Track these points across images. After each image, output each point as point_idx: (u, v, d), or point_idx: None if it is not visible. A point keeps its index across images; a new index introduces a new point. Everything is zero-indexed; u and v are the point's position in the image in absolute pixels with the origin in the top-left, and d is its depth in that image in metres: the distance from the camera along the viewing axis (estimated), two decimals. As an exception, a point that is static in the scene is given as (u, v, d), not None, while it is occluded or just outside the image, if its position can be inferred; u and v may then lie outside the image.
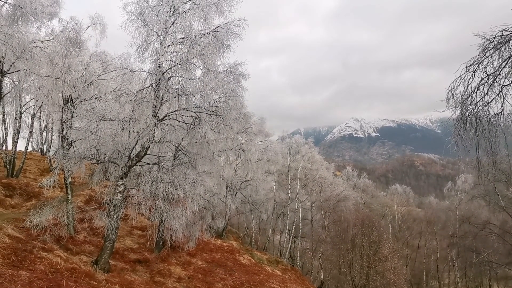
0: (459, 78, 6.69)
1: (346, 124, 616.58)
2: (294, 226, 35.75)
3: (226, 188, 25.12)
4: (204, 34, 13.20)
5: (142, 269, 15.71)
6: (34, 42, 15.86)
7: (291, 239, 35.65)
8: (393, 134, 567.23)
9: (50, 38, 16.20)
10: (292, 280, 23.89)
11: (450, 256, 45.22)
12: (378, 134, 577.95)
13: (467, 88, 6.71)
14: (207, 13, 13.40)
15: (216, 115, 13.73)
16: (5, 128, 25.86)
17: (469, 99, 6.61)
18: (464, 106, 6.66)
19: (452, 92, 6.85)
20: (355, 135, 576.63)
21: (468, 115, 6.68)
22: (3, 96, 17.08)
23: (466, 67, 6.60)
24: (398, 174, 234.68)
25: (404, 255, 45.09)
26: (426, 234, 50.14)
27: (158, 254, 17.78)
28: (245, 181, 26.21)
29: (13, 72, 15.97)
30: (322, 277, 35.61)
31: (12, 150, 24.41)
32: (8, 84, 20.58)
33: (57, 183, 16.07)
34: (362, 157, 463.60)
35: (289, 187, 35.24)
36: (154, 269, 16.12)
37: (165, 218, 14.35)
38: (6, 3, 14.33)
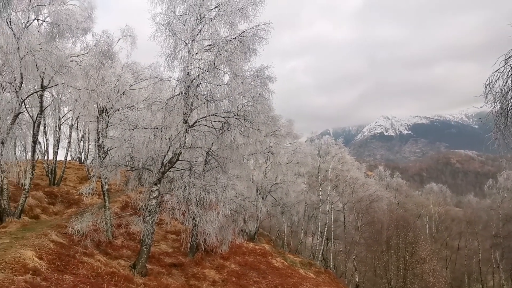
0: (497, 71, 6.41)
1: (376, 122, 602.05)
2: (326, 228, 35.31)
3: (257, 191, 25.23)
4: (230, 40, 13.40)
5: (177, 273, 16.04)
6: (71, 56, 16.70)
7: (323, 241, 35.22)
8: (426, 131, 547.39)
9: (85, 52, 17.02)
10: (326, 283, 23.59)
11: (494, 258, 43.02)
12: (410, 132, 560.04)
13: (506, 82, 6.41)
14: (232, 19, 13.61)
15: (244, 119, 13.88)
16: (46, 139, 27.29)
17: (510, 93, 6.31)
18: (505, 101, 6.36)
19: (491, 86, 6.56)
20: (386, 134, 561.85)
21: (510, 110, 6.38)
22: (44, 109, 18.01)
23: (505, 59, 6.32)
24: (433, 172, 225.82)
25: (443, 256, 43.36)
26: (466, 234, 47.96)
27: (192, 257, 18.10)
28: (275, 183, 26.20)
29: (53, 86, 16.87)
30: (357, 279, 34.91)
31: (53, 160, 25.74)
32: (48, 98, 21.70)
33: (95, 191, 16.78)
34: (394, 156, 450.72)
35: (320, 189, 34.88)
36: (189, 272, 16.42)
37: (198, 222, 14.60)
38: (44, 21, 15.18)
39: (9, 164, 15.57)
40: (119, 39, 17.97)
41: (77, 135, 33.54)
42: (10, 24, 14.08)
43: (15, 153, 17.61)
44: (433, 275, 28.25)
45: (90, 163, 32.17)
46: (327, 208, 35.22)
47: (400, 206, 51.55)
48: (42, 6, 14.62)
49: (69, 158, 32.07)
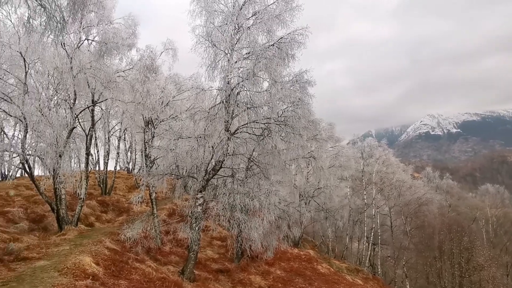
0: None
1: (421, 122, 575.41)
2: (372, 233, 34.14)
3: (299, 197, 25.03)
4: (268, 47, 13.53)
5: (224, 279, 16.26)
6: (117, 72, 17.65)
7: (370, 247, 34.06)
8: (477, 129, 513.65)
9: (130, 67, 17.89)
10: (375, 290, 22.79)
11: (561, 263, 39.32)
12: (459, 130, 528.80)
13: None
14: (270, 26, 13.74)
15: (285, 125, 13.89)
16: (97, 151, 28.99)
17: None
18: None
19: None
20: (432, 133, 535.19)
21: None
22: (95, 123, 19.14)
23: None
24: (487, 172, 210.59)
25: (503, 263, 40.25)
26: (529, 238, 44.32)
27: (238, 263, 18.26)
28: (318, 188, 25.85)
29: (102, 101, 17.92)
30: (408, 287, 33.35)
31: (103, 170, 27.23)
32: (98, 112, 23.05)
33: (143, 199, 17.50)
34: (442, 156, 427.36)
35: (364, 193, 33.87)
36: (235, 278, 16.58)
37: (243, 229, 14.73)
38: (93, 41, 16.21)
39: (66, 175, 16.65)
40: (161, 52, 18.71)
41: (125, 146, 35.23)
42: (64, 45, 15.17)
43: (70, 165, 18.79)
44: (493, 283, 26.39)
45: (137, 172, 33.65)
46: (373, 212, 34.09)
47: (452, 209, 48.74)
48: (91, 27, 15.61)
49: (118, 168, 33.77)
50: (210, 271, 16.45)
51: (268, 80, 13.85)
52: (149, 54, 17.32)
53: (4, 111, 15.30)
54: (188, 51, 13.90)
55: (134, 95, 16.73)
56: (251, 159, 15.35)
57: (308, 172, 25.89)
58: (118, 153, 31.74)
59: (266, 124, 14.00)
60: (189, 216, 14.41)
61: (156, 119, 17.54)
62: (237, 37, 13.89)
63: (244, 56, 14.05)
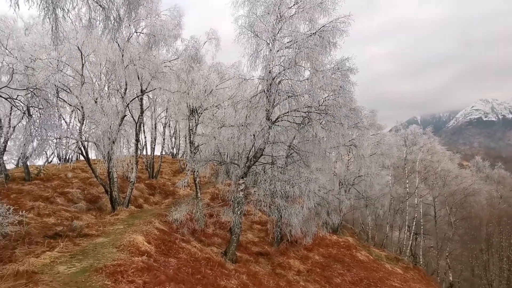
0: None
1: (472, 107, 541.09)
2: (414, 222, 33.30)
3: (339, 184, 25.02)
4: (310, 36, 13.54)
5: (264, 261, 16.91)
6: (164, 62, 18.48)
7: (411, 236, 33.32)
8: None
9: (176, 57, 18.65)
10: (415, 280, 22.51)
11: None
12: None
13: None
14: (312, 14, 13.75)
15: (326, 114, 13.97)
16: (145, 137, 30.59)
17: None
18: None
19: None
20: (485, 119, 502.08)
21: None
22: (144, 111, 20.24)
23: None
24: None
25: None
26: None
27: (277, 247, 18.84)
28: (358, 176, 25.63)
29: (150, 90, 18.91)
30: (451, 278, 32.45)
31: (151, 155, 28.77)
32: (145, 100, 24.29)
33: (188, 183, 18.44)
34: (495, 144, 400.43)
35: (407, 181, 32.99)
36: (274, 261, 17.18)
37: (283, 214, 15.17)
38: (141, 33, 17.06)
39: (118, 160, 17.91)
40: (205, 42, 19.31)
41: (170, 132, 36.81)
42: (116, 38, 16.12)
43: (121, 151, 20.08)
44: (545, 279, 25.03)
45: (181, 157, 35.16)
46: (415, 201, 33.18)
47: (504, 200, 46.06)
48: (140, 20, 16.40)
49: (163, 153, 35.45)
50: (250, 254, 17.16)
51: (309, 69, 13.93)
52: (194, 44, 17.95)
53: (64, 100, 16.67)
54: (232, 42, 14.28)
55: (180, 85, 17.50)
56: (291, 146, 15.64)
57: (348, 160, 25.71)
58: (163, 139, 33.28)
59: (307, 113, 14.16)
60: (231, 201, 15.07)
61: (200, 107, 18.25)
62: (279, 27, 14.04)
63: (286, 45, 14.18)
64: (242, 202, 14.49)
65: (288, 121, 14.87)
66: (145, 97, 21.41)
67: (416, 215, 32.99)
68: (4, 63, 19.48)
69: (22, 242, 10.28)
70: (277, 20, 13.94)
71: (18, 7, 7.50)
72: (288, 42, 14.20)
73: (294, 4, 14.13)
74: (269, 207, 14.93)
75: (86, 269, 8.02)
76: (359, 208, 31.08)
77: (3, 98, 8.51)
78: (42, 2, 7.49)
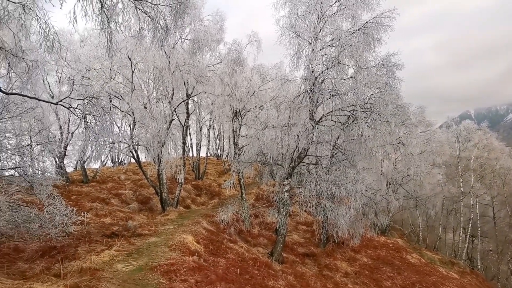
0: None
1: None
2: (470, 224, 31.32)
3: (387, 184, 24.19)
4: (353, 33, 13.28)
5: (310, 262, 16.79)
6: (208, 67, 18.99)
7: (467, 239, 31.37)
8: None
9: (219, 61, 19.10)
10: (473, 285, 21.20)
11: None
12: None
13: None
14: (354, 11, 13.49)
15: (371, 112, 13.61)
16: (190, 139, 31.60)
17: None
18: None
19: None
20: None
21: None
22: (190, 114, 20.92)
23: None
24: None
25: None
26: None
27: (324, 249, 18.62)
28: (407, 175, 24.62)
29: (196, 95, 19.52)
30: (513, 284, 30.15)
31: (196, 157, 29.65)
32: (191, 104, 25.07)
33: (233, 184, 18.79)
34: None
35: (461, 180, 31.12)
36: (321, 263, 16.99)
37: (330, 216, 14.99)
38: (186, 39, 17.66)
39: (168, 162, 18.67)
40: (247, 44, 19.52)
41: (214, 134, 37.66)
42: (163, 46, 16.85)
43: (169, 153, 20.89)
44: None
45: (225, 158, 35.85)
46: (471, 201, 31.23)
47: None
48: (184, 27, 16.99)
49: (208, 154, 36.35)
50: (296, 255, 17.11)
51: (353, 66, 13.65)
52: (236, 48, 18.26)
53: (116, 107, 17.68)
54: (274, 43, 14.36)
55: (223, 88, 17.90)
56: (336, 146, 15.41)
57: (396, 159, 24.77)
58: (208, 141, 34.16)
59: (352, 111, 13.88)
60: (277, 202, 15.14)
61: (243, 109, 18.53)
62: (320, 25, 13.89)
63: (328, 44, 14.00)
64: (288, 203, 14.51)
65: (332, 120, 14.67)
66: (190, 101, 22.11)
67: (472, 216, 31.03)
68: (63, 74, 21.10)
69: (84, 241, 11.05)
70: (319, 19, 13.80)
71: (76, 22, 8.10)
72: (330, 41, 14.00)
73: (335, 2, 13.93)
74: (315, 207, 14.80)
75: (142, 268, 8.47)
76: (408, 208, 29.82)
77: (65, 107, 9.20)
78: (98, 17, 8.04)
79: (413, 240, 30.91)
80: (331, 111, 14.18)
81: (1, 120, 9.12)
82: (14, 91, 9.71)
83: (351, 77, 13.74)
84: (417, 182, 25.04)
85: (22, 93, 8.64)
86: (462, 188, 30.97)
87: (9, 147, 8.46)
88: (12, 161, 9.10)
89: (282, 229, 14.45)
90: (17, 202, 8.28)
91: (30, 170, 9.16)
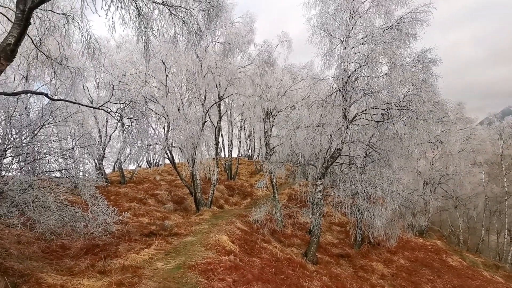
0: None
1: None
2: (516, 226, 29.63)
3: (424, 184, 23.38)
4: (386, 29, 12.99)
5: (345, 263, 16.53)
6: (239, 68, 19.19)
7: (513, 241, 29.68)
8: None
9: (249, 62, 19.24)
10: (520, 290, 20.05)
11: None
12: None
13: None
14: (388, 7, 13.19)
15: (407, 109, 13.25)
16: (222, 140, 32.04)
17: None
18: None
19: None
20: None
21: None
22: (222, 116, 21.21)
23: None
24: None
25: None
26: None
27: (358, 250, 18.28)
28: (446, 174, 23.67)
29: (227, 96, 19.79)
30: None
31: (228, 157, 30.00)
32: (222, 105, 25.43)
33: (265, 184, 18.89)
34: None
35: (505, 179, 29.47)
36: (356, 264, 16.70)
37: (365, 216, 14.71)
38: (217, 42, 17.93)
39: (200, 163, 19.02)
40: (277, 45, 19.56)
41: (245, 134, 37.95)
42: (196, 50, 17.24)
43: (202, 154, 21.28)
44: None
45: (257, 159, 36.01)
46: (516, 202, 29.51)
47: None
48: (216, 30, 17.26)
49: (239, 155, 36.64)
50: (331, 255, 16.91)
51: (387, 64, 13.34)
52: (266, 48, 18.35)
53: (151, 110, 18.24)
54: (305, 43, 14.30)
55: (255, 89, 18.03)
56: (370, 145, 15.10)
57: (433, 157, 23.88)
58: (239, 141, 34.46)
59: (386, 110, 13.57)
60: (310, 202, 15.04)
61: (274, 109, 18.58)
62: (352, 23, 13.66)
63: (361, 41, 13.75)
64: (321, 203, 14.38)
65: (365, 119, 14.40)
66: (222, 103, 22.41)
67: (517, 217, 29.34)
68: (101, 80, 22.04)
69: (124, 239, 11.51)
70: (351, 17, 13.58)
71: (115, 30, 8.44)
72: (362, 38, 13.75)
73: (367, -1, 13.67)
74: (350, 208, 14.57)
75: (180, 266, 8.70)
76: (447, 209, 28.64)
77: (106, 112, 9.62)
78: (136, 23, 8.36)
79: (453, 242, 29.66)
80: (365, 110, 13.93)
81: (48, 125, 9.63)
82: (59, 97, 10.27)
83: (385, 74, 13.43)
84: (457, 182, 23.99)
85: (67, 99, 9.12)
86: (506, 188, 29.32)
87: (57, 150, 8.96)
88: (58, 163, 9.63)
89: (316, 230, 14.34)
90: (64, 202, 8.76)
91: (74, 172, 9.64)
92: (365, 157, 15.95)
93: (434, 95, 15.42)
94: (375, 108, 13.70)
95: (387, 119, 13.69)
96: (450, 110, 23.40)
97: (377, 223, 14.30)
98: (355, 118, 14.16)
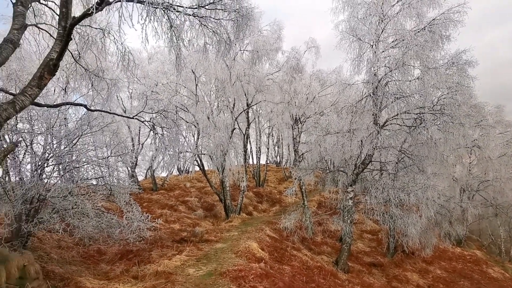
0: None
1: None
2: None
3: (461, 191, 22.39)
4: (418, 31, 12.68)
5: (377, 273, 16.06)
6: (267, 75, 19.31)
7: (561, 252, 27.72)
8: None
9: (277, 70, 19.33)
10: None
11: None
12: None
13: None
14: (419, 9, 12.93)
15: (442, 114, 12.83)
16: (250, 147, 32.17)
17: None
18: None
19: None
20: None
21: None
22: (250, 123, 21.37)
23: None
24: None
25: None
26: None
27: (391, 259, 17.72)
28: (485, 181, 22.58)
29: (256, 103, 19.94)
30: None
31: (256, 164, 30.08)
32: (250, 112, 25.62)
33: (295, 191, 18.73)
34: None
35: (551, 186, 27.70)
36: (389, 273, 16.18)
37: (398, 224, 14.29)
38: (245, 50, 18.15)
39: (229, 170, 19.21)
40: (305, 51, 19.56)
41: (272, 141, 37.96)
42: (224, 58, 17.54)
43: (230, 161, 21.46)
44: None
45: (285, 165, 35.87)
46: None
47: None
48: (244, 38, 17.49)
49: (267, 162, 36.65)
50: (362, 264, 16.49)
51: (419, 67, 13.01)
52: (294, 55, 18.38)
53: (182, 118, 18.65)
54: (333, 48, 14.20)
55: (283, 95, 18.06)
56: (403, 151, 14.71)
57: (470, 163, 22.87)
58: (267, 148, 34.51)
59: (419, 114, 13.21)
60: (340, 209, 14.80)
61: (303, 115, 18.50)
62: (382, 27, 13.46)
63: (391, 45, 13.52)
64: (352, 211, 14.11)
65: (397, 124, 14.08)
66: (250, 110, 22.60)
67: None
68: (134, 90, 22.81)
69: (156, 245, 11.79)
70: (380, 21, 13.39)
71: (148, 42, 8.74)
72: (393, 42, 13.52)
73: (397, 1, 13.42)
74: (382, 215, 14.21)
75: (212, 273, 8.79)
76: (487, 217, 27.20)
77: (140, 121, 9.95)
78: (168, 35, 8.63)
79: (494, 252, 28.09)
80: (396, 115, 13.63)
81: (85, 135, 10.08)
82: (96, 108, 10.73)
83: (417, 78, 13.11)
84: (497, 188, 22.80)
85: (103, 109, 9.51)
86: (552, 195, 27.53)
87: (94, 159, 9.36)
88: (95, 171, 10.04)
89: (347, 237, 14.06)
90: (101, 209, 9.11)
91: (110, 179, 10.01)
92: (397, 163, 15.54)
93: (470, 98, 14.90)
94: (407, 113, 13.37)
95: (420, 124, 13.34)
96: (488, 113, 22.38)
97: (412, 231, 13.83)
98: (386, 123, 13.87)
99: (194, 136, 19.84)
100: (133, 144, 23.65)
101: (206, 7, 8.57)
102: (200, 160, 18.82)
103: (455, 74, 13.15)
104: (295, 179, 16.96)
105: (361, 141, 13.95)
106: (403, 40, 12.67)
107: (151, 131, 10.73)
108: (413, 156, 14.26)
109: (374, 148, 13.59)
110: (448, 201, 18.03)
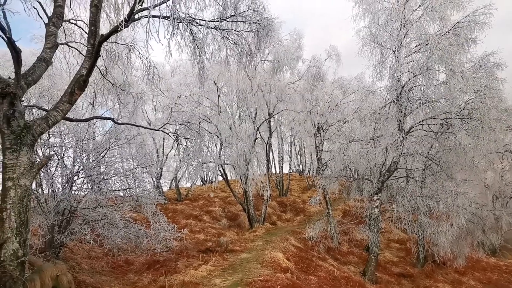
0: None
1: None
2: None
3: (493, 198, 21.48)
4: (442, 35, 12.43)
5: (407, 284, 15.55)
6: (288, 85, 19.37)
7: None
8: None
9: (299, 78, 19.36)
10: None
11: None
12: None
13: None
14: (443, 12, 12.67)
15: (470, 118, 12.46)
16: (273, 156, 32.15)
17: None
18: None
19: None
20: None
21: None
22: (272, 132, 21.40)
23: None
24: None
25: None
26: None
27: (421, 269, 17.12)
28: (519, 187, 21.61)
29: (277, 113, 19.99)
30: None
31: (279, 173, 30.00)
32: (272, 122, 25.70)
33: (318, 200, 18.53)
34: None
35: None
36: (419, 284, 15.63)
37: (428, 233, 13.85)
38: (266, 60, 18.31)
39: (252, 179, 19.24)
40: (326, 59, 19.50)
41: (295, 149, 37.78)
42: (245, 69, 17.74)
43: (253, 171, 21.50)
44: None
45: (308, 174, 35.57)
46: None
47: None
48: (265, 49, 17.69)
49: (290, 171, 36.43)
50: (391, 274, 16.03)
51: (444, 71, 12.71)
52: (315, 63, 18.38)
53: (205, 129, 18.92)
54: (355, 56, 14.12)
55: (304, 104, 18.02)
56: (429, 157, 14.32)
57: (502, 169, 21.95)
58: (290, 157, 34.33)
59: (445, 119, 12.86)
60: (366, 218, 14.50)
61: (325, 123, 18.38)
62: (404, 32, 13.27)
63: (414, 50, 13.30)
64: (379, 219, 13.80)
65: (423, 130, 13.76)
66: (271, 119, 22.65)
67: None
68: (157, 103, 23.35)
69: (182, 256, 11.90)
70: (402, 26, 13.21)
71: (171, 56, 9.00)
72: (416, 47, 13.30)
73: (419, 6, 13.23)
74: (411, 224, 13.81)
75: (238, 283, 8.77)
76: (525, 225, 25.95)
77: (165, 133, 10.18)
78: (191, 48, 8.85)
79: (532, 262, 26.69)
80: (422, 120, 13.34)
81: (112, 148, 10.39)
82: (122, 121, 11.07)
83: (443, 82, 12.80)
84: (534, 195, 21.74)
85: (130, 122, 9.80)
86: None
87: (121, 170, 9.62)
88: (122, 183, 10.32)
89: (374, 247, 13.74)
90: (129, 219, 9.33)
91: (137, 190, 10.25)
92: (424, 170, 15.13)
93: (500, 101, 14.40)
94: (433, 118, 13.06)
95: (447, 129, 12.99)
96: (520, 116, 21.48)
97: (442, 241, 13.37)
98: (411, 130, 13.58)
99: (217, 146, 20.02)
100: (157, 155, 24.13)
101: (228, 19, 8.75)
102: (223, 170, 18.96)
103: (482, 77, 12.82)
104: (319, 187, 16.80)
105: (386, 148, 13.70)
106: (426, 44, 12.45)
107: (175, 142, 10.97)
108: (441, 162, 13.88)
109: (399, 155, 13.31)
110: (480, 209, 17.31)
